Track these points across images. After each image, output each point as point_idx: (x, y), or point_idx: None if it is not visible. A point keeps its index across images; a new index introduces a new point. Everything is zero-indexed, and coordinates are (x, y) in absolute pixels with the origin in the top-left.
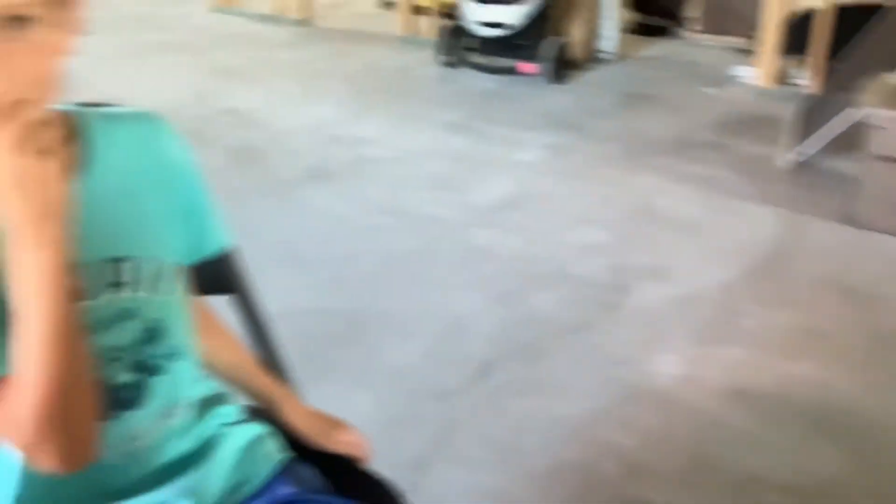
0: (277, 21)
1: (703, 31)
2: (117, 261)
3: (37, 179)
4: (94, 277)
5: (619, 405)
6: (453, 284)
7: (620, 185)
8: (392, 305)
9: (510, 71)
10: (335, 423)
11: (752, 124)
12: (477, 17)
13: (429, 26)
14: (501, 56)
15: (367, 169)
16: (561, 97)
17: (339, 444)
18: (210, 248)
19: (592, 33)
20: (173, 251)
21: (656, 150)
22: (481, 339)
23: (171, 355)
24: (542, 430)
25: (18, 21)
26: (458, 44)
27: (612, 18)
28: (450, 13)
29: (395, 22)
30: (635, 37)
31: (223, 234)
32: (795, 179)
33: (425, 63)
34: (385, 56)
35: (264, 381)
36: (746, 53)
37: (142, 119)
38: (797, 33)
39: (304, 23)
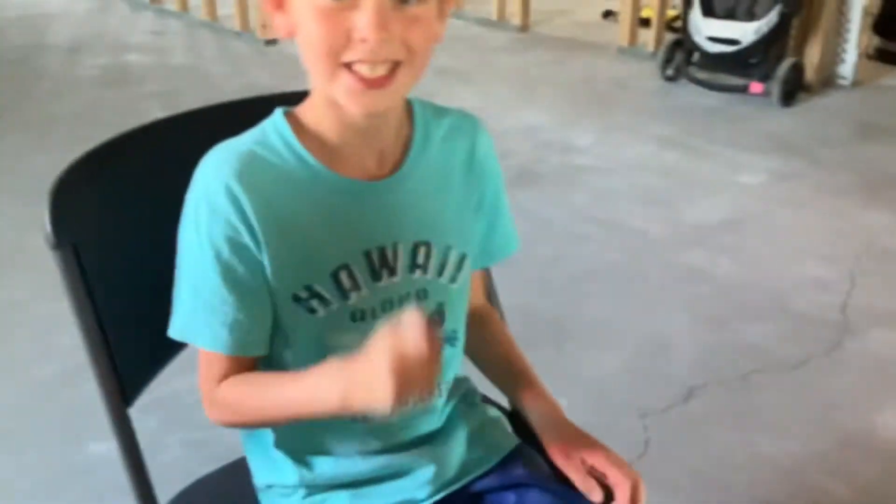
0: (498, 26)
1: None
2: (421, 245)
3: (373, 388)
4: (401, 257)
5: (834, 452)
6: (660, 302)
7: (852, 219)
8: (595, 314)
9: (735, 89)
10: (590, 442)
11: None
12: (706, 32)
13: (651, 39)
14: (727, 73)
15: (576, 176)
16: (789, 121)
17: (580, 472)
18: (504, 254)
19: (829, 56)
20: (466, 243)
21: (894, 187)
22: (686, 361)
23: (447, 339)
24: (746, 465)
25: None
26: (681, 58)
27: (852, 42)
28: (675, 26)
29: (616, 32)
30: (877, 64)
31: (515, 240)
32: None
33: (645, 76)
34: (603, 66)
35: (527, 377)
36: None
37: (462, 117)
38: None
39: (524, 29)
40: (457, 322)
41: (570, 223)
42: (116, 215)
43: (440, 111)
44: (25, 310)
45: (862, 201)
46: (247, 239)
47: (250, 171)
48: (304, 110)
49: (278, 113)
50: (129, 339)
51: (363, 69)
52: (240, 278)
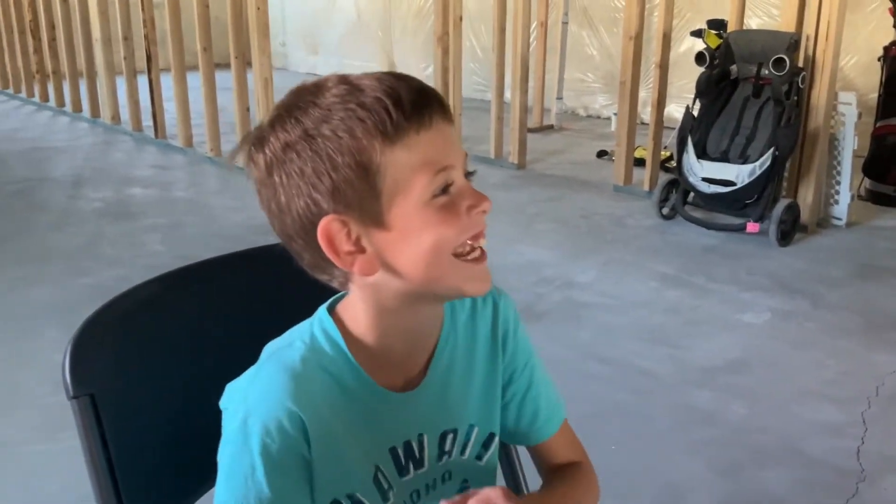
0: (495, 164)
1: None
2: (448, 433)
3: None
4: (427, 448)
5: None
6: (671, 447)
7: (858, 361)
8: (604, 460)
9: (732, 228)
10: None
11: None
12: (700, 173)
13: (646, 178)
14: (723, 212)
15: (578, 313)
16: (787, 260)
17: None
18: (556, 425)
19: (822, 197)
20: (492, 421)
21: None
22: None
23: None
24: None
25: None
26: (677, 197)
27: (844, 184)
28: (669, 166)
29: (611, 171)
30: (869, 205)
31: (561, 409)
32: None
33: (641, 213)
34: (599, 204)
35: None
36: None
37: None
38: None
39: (520, 167)
40: None
41: (575, 361)
42: (135, 366)
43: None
44: (14, 451)
45: (867, 343)
46: (305, 452)
47: (305, 388)
48: (345, 311)
49: (325, 314)
50: (141, 493)
51: (482, 242)
52: (294, 494)
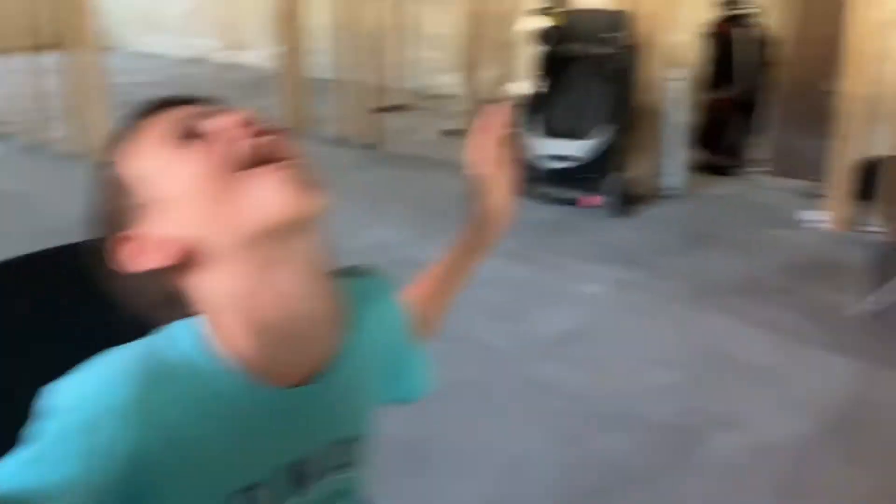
0: (345, 144)
1: (770, 173)
2: (346, 442)
3: None
4: (322, 461)
5: None
6: (513, 420)
7: (689, 325)
8: (449, 437)
9: (575, 202)
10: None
11: (821, 270)
12: (544, 150)
13: None
14: (566, 188)
15: None
16: (625, 232)
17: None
18: (415, 398)
19: (657, 169)
20: (374, 422)
21: (725, 292)
22: (544, 482)
23: None
24: None
25: None
26: (521, 174)
27: (677, 156)
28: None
29: (459, 149)
30: (701, 175)
31: (428, 383)
32: (869, 329)
33: None
34: (448, 182)
35: (451, 259)
36: (815, 197)
37: (376, 288)
38: (867, 179)
39: (370, 146)
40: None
41: None
42: None
43: (358, 290)
44: None
45: (698, 308)
46: (106, 473)
47: (152, 388)
48: (214, 319)
49: (192, 319)
50: None
51: (249, 137)
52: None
